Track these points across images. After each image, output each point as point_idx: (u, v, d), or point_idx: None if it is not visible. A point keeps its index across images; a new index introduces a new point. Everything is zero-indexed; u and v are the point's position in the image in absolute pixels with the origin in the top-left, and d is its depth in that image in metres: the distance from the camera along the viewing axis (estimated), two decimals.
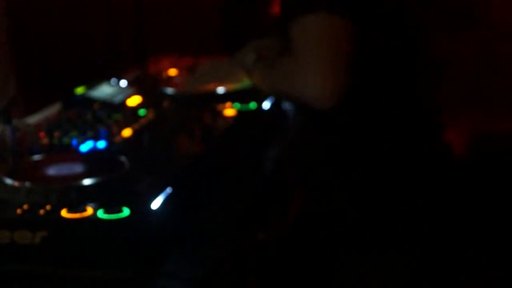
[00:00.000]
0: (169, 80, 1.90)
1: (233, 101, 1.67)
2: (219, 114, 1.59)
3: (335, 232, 1.44)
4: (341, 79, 1.28)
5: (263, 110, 1.71)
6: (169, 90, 1.76)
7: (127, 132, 1.47)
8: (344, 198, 1.41)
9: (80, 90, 1.75)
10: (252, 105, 1.68)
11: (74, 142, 1.41)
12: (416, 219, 1.40)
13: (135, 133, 1.47)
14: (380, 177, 1.39)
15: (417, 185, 1.40)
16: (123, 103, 1.70)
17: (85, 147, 1.40)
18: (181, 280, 1.13)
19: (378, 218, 1.39)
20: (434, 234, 1.42)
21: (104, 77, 1.88)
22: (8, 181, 1.18)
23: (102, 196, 1.15)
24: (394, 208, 1.39)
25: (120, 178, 1.21)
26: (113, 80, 1.86)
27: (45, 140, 1.43)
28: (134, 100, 1.72)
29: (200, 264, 1.19)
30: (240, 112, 1.63)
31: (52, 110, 1.69)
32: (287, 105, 1.72)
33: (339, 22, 1.30)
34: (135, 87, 1.83)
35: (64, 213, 1.10)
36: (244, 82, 1.59)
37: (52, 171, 1.23)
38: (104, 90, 1.78)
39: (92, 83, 1.80)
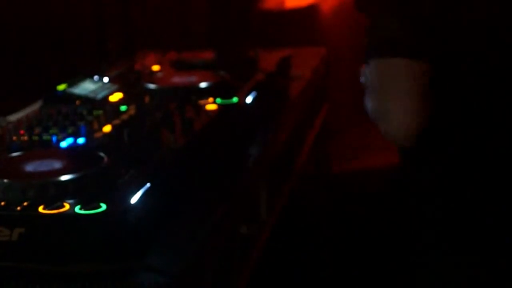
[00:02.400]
0: (152, 76, 1.91)
1: (214, 95, 1.67)
2: (201, 108, 1.59)
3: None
4: (420, 121, 1.33)
5: (246, 104, 1.71)
6: (151, 86, 1.77)
7: (107, 128, 1.47)
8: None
9: (61, 86, 1.75)
10: (234, 99, 1.68)
11: (54, 138, 1.41)
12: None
13: (116, 128, 1.47)
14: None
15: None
16: (104, 99, 1.70)
17: (65, 143, 1.40)
18: (162, 274, 1.13)
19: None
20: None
21: (87, 73, 1.88)
22: None
23: (80, 191, 1.15)
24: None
25: (98, 173, 1.21)
26: (96, 76, 1.86)
27: (25, 137, 1.42)
28: (116, 96, 1.73)
29: (181, 258, 1.19)
30: (222, 106, 1.63)
31: (34, 107, 1.69)
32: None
33: (419, 67, 1.33)
34: (117, 83, 1.83)
35: (41, 209, 1.10)
36: None
37: (30, 167, 1.23)
38: (86, 87, 1.78)
39: (74, 80, 1.81)
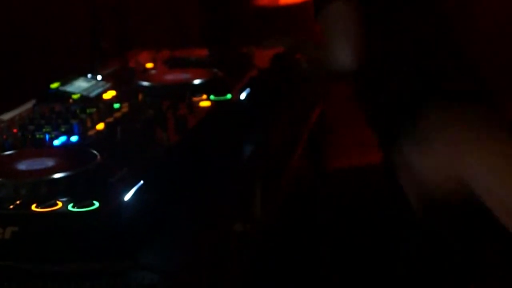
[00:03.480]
0: (145, 73, 1.90)
1: (208, 92, 1.66)
2: (194, 105, 1.58)
3: None
4: (357, 52, 1.76)
5: (240, 101, 1.70)
6: (145, 83, 1.76)
7: (100, 126, 1.46)
8: None
9: (55, 85, 1.74)
10: (228, 96, 1.67)
11: (47, 137, 1.40)
12: None
13: (109, 126, 1.46)
14: None
15: None
16: (98, 97, 1.70)
17: (58, 141, 1.39)
18: (156, 272, 1.13)
19: None
20: None
21: (81, 72, 1.87)
22: None
23: (73, 189, 1.15)
24: None
25: (91, 171, 1.20)
26: (89, 74, 1.85)
27: (18, 136, 1.42)
28: (109, 94, 1.72)
29: (175, 256, 1.18)
30: (215, 103, 1.63)
31: (27, 105, 1.68)
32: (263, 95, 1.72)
33: (352, 9, 1.75)
34: (111, 81, 1.83)
35: (34, 207, 1.10)
36: None
37: (23, 165, 1.22)
38: (79, 85, 1.77)
39: (68, 78, 1.80)
